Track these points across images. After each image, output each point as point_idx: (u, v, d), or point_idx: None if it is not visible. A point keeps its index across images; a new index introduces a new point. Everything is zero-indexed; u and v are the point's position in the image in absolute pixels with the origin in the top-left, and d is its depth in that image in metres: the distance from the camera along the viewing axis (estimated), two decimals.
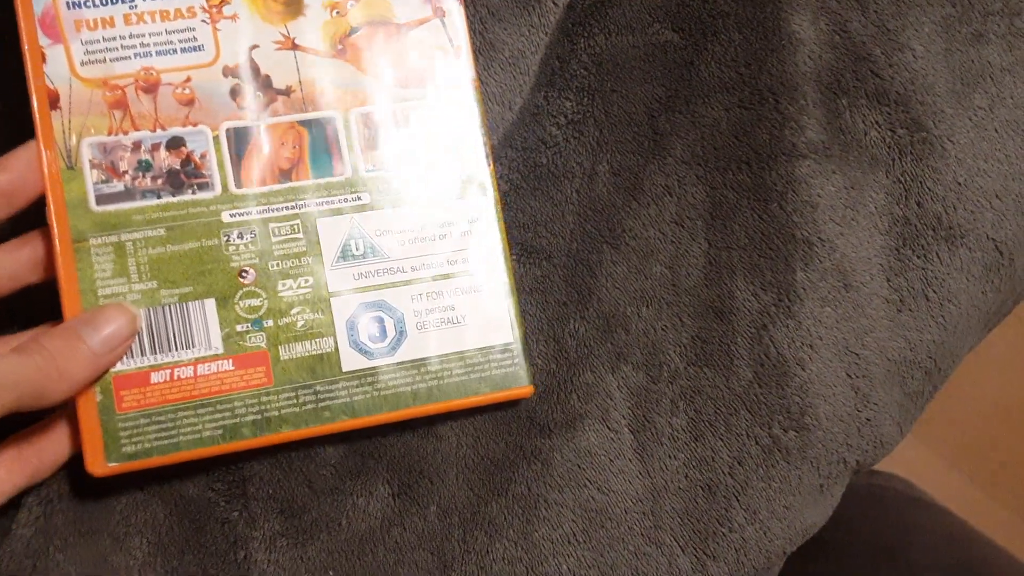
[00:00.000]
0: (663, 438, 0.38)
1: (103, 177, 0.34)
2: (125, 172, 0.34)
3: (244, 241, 0.35)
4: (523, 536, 0.37)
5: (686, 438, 0.38)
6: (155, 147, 0.34)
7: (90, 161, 0.34)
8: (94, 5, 0.34)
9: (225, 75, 0.35)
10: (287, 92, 0.35)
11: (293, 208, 0.35)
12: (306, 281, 0.35)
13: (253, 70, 0.35)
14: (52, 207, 0.33)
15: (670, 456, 0.38)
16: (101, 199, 0.34)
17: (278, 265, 0.35)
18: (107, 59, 0.34)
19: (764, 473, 0.39)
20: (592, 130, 0.40)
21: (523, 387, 0.36)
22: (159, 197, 0.34)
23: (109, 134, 0.34)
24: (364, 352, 0.35)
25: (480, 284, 0.36)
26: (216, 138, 0.35)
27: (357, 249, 0.35)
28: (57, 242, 0.33)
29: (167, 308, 0.34)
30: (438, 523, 0.37)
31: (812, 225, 0.39)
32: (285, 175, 0.35)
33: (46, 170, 0.33)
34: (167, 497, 0.36)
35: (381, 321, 0.35)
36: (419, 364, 0.35)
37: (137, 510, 0.36)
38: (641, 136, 0.40)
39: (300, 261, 0.35)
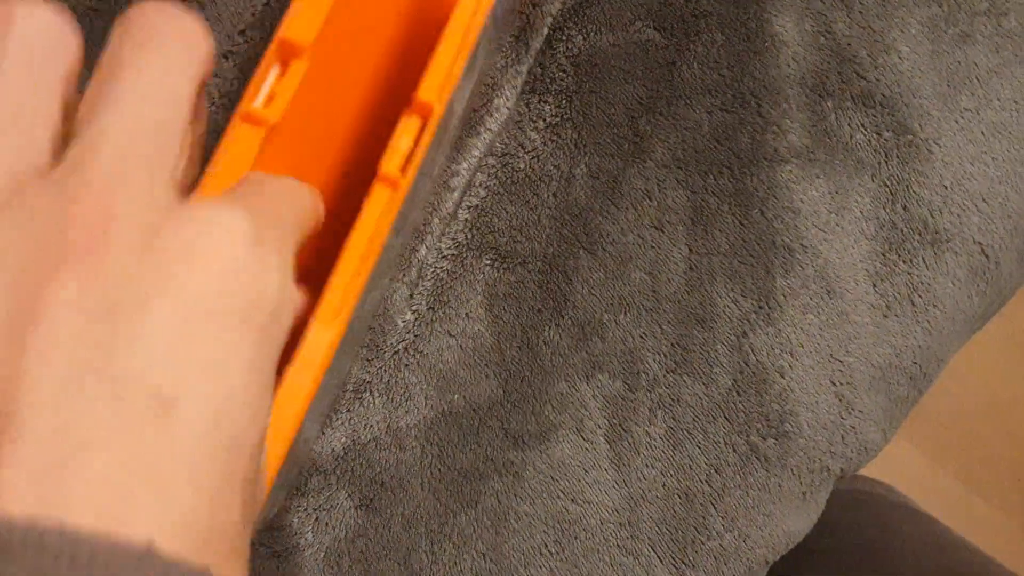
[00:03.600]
0: (640, 447, 0.38)
1: None
2: None
3: None
4: (492, 548, 0.37)
5: (664, 446, 0.38)
6: None
7: None
8: None
9: None
10: None
11: None
12: None
13: None
14: None
15: (647, 465, 0.38)
16: None
17: None
18: None
19: (741, 480, 0.38)
20: (570, 132, 0.39)
21: None
22: None
23: None
24: None
25: None
26: None
27: None
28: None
29: None
30: (404, 534, 0.36)
31: (794, 231, 0.39)
32: None
33: None
34: None
35: None
36: None
37: None
38: (620, 138, 0.39)
39: None
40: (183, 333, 0.17)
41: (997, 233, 0.41)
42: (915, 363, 0.40)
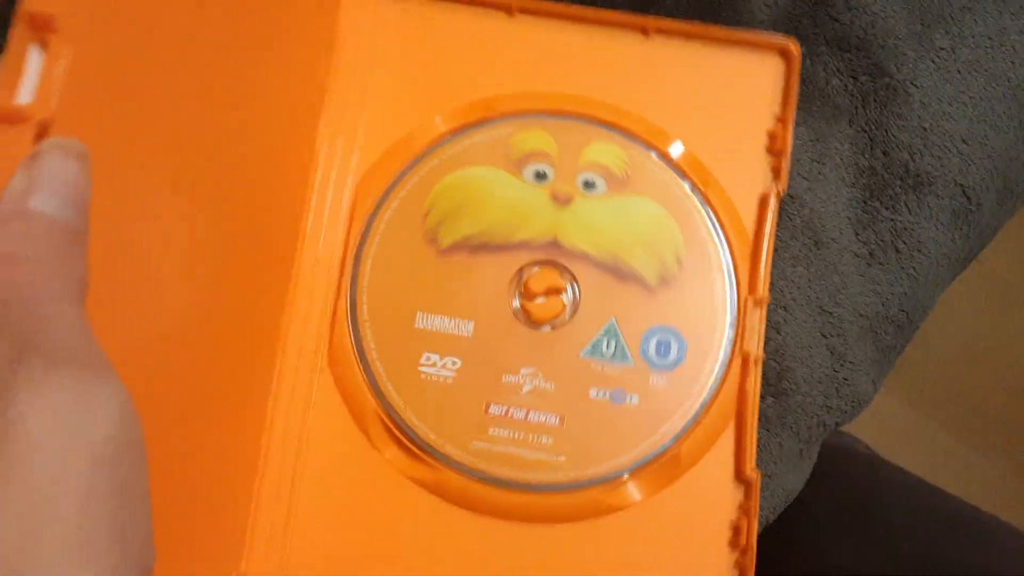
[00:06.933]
0: None
1: None
2: None
3: None
4: None
5: None
6: None
7: None
8: None
9: None
10: None
11: None
12: None
13: None
14: None
15: None
16: None
17: None
18: None
19: None
20: None
21: None
22: None
23: None
24: None
25: None
26: None
27: None
28: None
29: None
30: None
31: None
32: None
33: None
34: None
35: None
36: None
37: None
38: None
39: None
40: None
41: (978, 174, 0.40)
42: (902, 311, 0.40)
